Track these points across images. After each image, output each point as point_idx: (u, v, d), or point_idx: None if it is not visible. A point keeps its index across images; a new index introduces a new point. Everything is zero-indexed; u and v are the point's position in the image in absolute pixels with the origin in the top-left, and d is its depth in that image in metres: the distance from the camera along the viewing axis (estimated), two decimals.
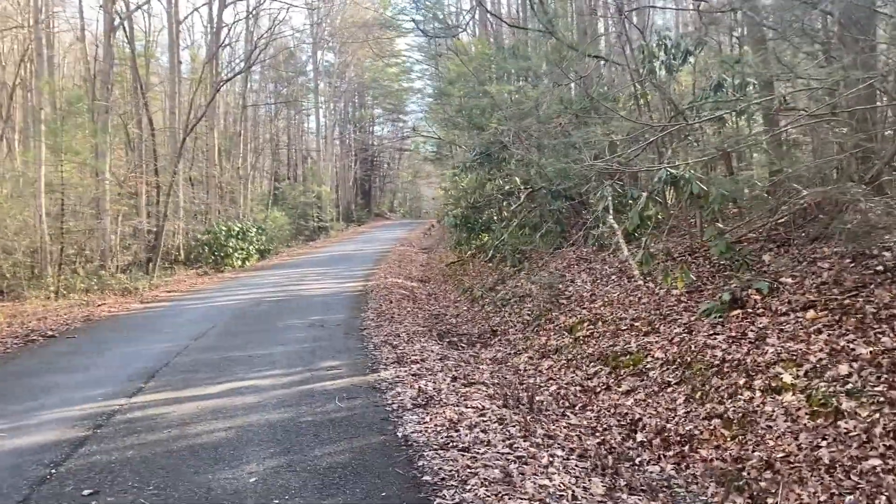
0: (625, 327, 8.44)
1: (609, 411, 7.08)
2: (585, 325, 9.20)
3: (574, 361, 8.57)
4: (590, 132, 10.26)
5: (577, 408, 7.41)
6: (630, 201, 11.75)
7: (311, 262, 26.73)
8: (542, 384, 8.32)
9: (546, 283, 11.07)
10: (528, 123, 13.74)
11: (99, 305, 16.64)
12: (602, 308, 9.36)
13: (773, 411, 5.70)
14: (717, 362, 6.69)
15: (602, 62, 13.12)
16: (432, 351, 9.76)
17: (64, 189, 20.62)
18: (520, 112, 13.84)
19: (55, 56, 30.33)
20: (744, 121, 10.47)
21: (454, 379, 7.89)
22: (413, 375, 8.13)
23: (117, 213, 25.20)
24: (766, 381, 6.04)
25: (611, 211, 10.61)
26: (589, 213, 12.84)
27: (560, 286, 10.89)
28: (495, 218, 18.25)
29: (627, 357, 7.73)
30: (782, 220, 8.87)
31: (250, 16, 31.57)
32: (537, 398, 7.49)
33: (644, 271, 8.97)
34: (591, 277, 10.81)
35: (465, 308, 14.36)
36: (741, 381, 6.24)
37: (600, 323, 8.99)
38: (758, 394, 6.01)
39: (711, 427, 5.99)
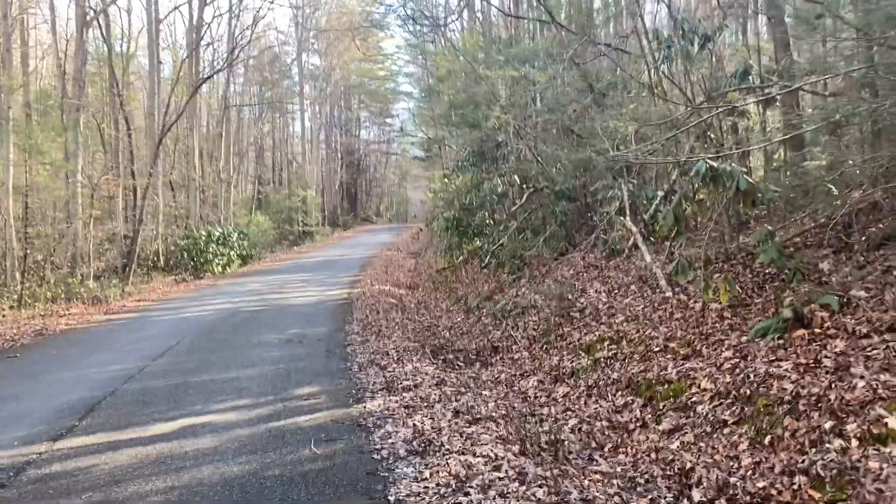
0: (657, 348, 6.99)
1: (648, 456, 5.61)
2: (606, 343, 7.74)
3: (596, 389, 7.11)
4: (611, 117, 8.86)
5: (606, 449, 5.94)
6: (645, 202, 10.34)
7: (295, 267, 25.15)
8: (559, 416, 6.85)
9: (553, 294, 9.62)
10: (531, 114, 12.33)
11: (61, 316, 15.01)
12: (625, 324, 7.91)
13: (882, 469, 4.26)
14: (787, 397, 5.25)
15: (609, 50, 11.71)
16: (427, 373, 8.26)
17: (28, 191, 18.97)
18: (523, 101, 12.42)
19: (30, 54, 28.61)
20: (777, 108, 9.08)
21: (456, 413, 6.40)
22: (406, 407, 6.63)
23: (90, 218, 23.45)
24: (864, 426, 4.61)
25: (627, 212, 9.18)
26: (597, 216, 11.44)
27: (570, 297, 9.44)
28: (489, 221, 16.80)
29: (665, 387, 6.28)
30: (833, 220, 7.46)
31: (232, 14, 29.94)
32: (560, 438, 6.01)
33: (679, 281, 7.53)
34: (606, 287, 9.37)
35: (460, 319, 12.88)
36: (827, 425, 4.80)
37: (625, 342, 7.54)
38: (854, 442, 4.57)
39: (794, 486, 4.54)
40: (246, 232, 30.63)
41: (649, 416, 6.16)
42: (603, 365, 7.45)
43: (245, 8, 34.25)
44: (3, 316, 15.55)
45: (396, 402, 6.84)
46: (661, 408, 6.13)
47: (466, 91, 16.07)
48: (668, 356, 6.74)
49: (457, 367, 9.34)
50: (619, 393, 6.79)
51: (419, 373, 8.25)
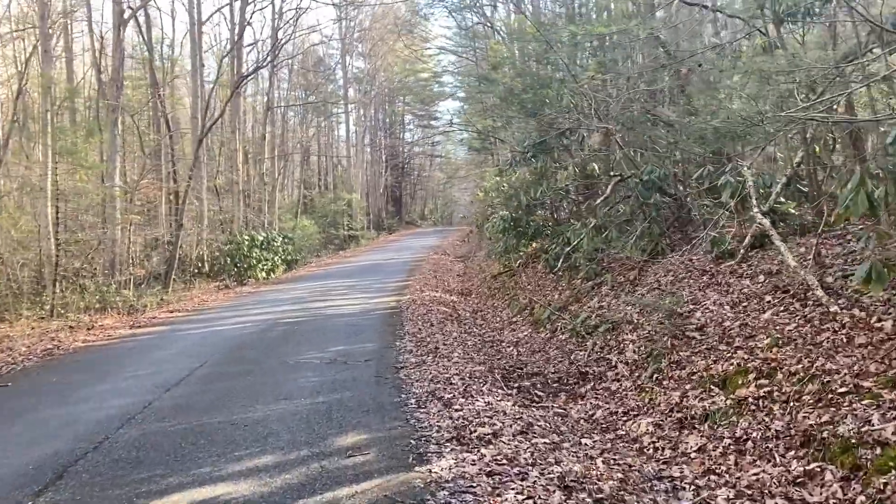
0: (842, 388, 4.81)
1: None
2: (752, 377, 5.57)
3: (750, 443, 4.97)
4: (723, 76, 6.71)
5: None
6: (761, 190, 8.11)
7: (340, 273, 23.36)
8: (700, 482, 4.74)
9: (656, 306, 7.47)
10: (615, 89, 10.19)
11: (89, 329, 13.39)
12: (775, 350, 5.72)
13: None
14: None
15: (701, 9, 9.53)
16: (504, 412, 6.21)
17: (61, 195, 17.53)
18: (610, 71, 10.27)
19: (73, 56, 27.46)
20: None
21: (565, 489, 4.34)
22: (489, 475, 4.59)
23: (129, 223, 21.98)
24: None
25: (753, 201, 7.00)
26: (696, 209, 9.26)
27: (680, 310, 7.28)
28: (551, 220, 14.69)
29: (879, 451, 4.11)
30: None
31: (275, 13, 28.36)
32: None
33: (872, 292, 5.32)
34: (728, 299, 7.18)
35: (527, 333, 10.80)
36: None
37: (781, 376, 5.36)
38: None
39: None
40: (291, 236, 29.04)
41: (859, 494, 4.00)
42: (753, 408, 5.29)
43: (288, 7, 32.72)
44: (32, 328, 14.02)
45: (474, 463, 4.80)
46: (876, 485, 3.96)
47: (526, 75, 13.96)
48: (866, 401, 4.55)
49: (536, 398, 7.28)
50: (792, 453, 4.63)
51: (495, 411, 6.20)
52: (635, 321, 7.85)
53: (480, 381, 7.60)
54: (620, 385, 7.01)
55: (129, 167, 24.37)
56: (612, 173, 9.27)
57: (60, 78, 25.63)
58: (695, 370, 6.28)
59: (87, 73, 29.21)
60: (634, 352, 7.38)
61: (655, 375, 6.67)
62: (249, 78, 27.39)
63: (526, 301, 12.41)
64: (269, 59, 25.95)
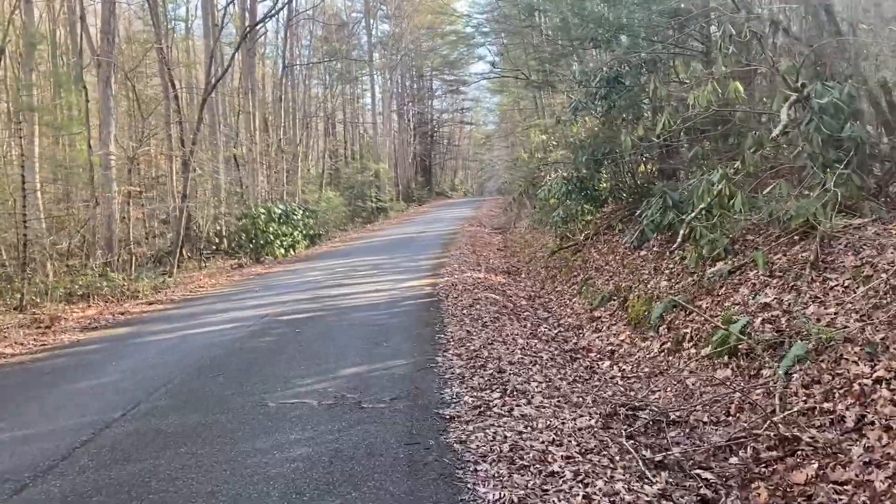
0: None
1: None
2: None
3: None
4: None
5: None
6: None
7: (366, 249, 19.85)
8: None
9: None
10: None
11: (40, 327, 10.14)
12: None
13: None
14: None
15: None
16: None
17: (27, 162, 14.24)
18: None
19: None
20: None
21: None
22: None
23: (129, 195, 18.63)
24: None
25: None
26: None
27: None
28: (637, 177, 11.01)
29: None
30: None
31: None
32: None
33: None
34: None
35: (624, 338, 7.18)
36: None
37: None
38: None
39: None
40: (314, 209, 25.58)
41: None
42: None
43: None
44: None
45: None
46: None
47: None
48: None
49: (705, 489, 3.69)
50: None
51: None
52: (870, 338, 4.20)
53: (597, 453, 4.02)
54: (866, 476, 3.36)
55: (127, 134, 20.95)
56: (795, 83, 5.49)
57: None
58: None
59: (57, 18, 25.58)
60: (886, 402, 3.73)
61: None
62: (260, 25, 23.65)
63: (610, 288, 8.74)
64: (280, 4, 22.19)
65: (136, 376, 6.14)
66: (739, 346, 5.24)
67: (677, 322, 6.49)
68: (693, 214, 6.55)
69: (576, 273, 10.84)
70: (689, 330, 6.12)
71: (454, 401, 5.07)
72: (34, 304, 12.44)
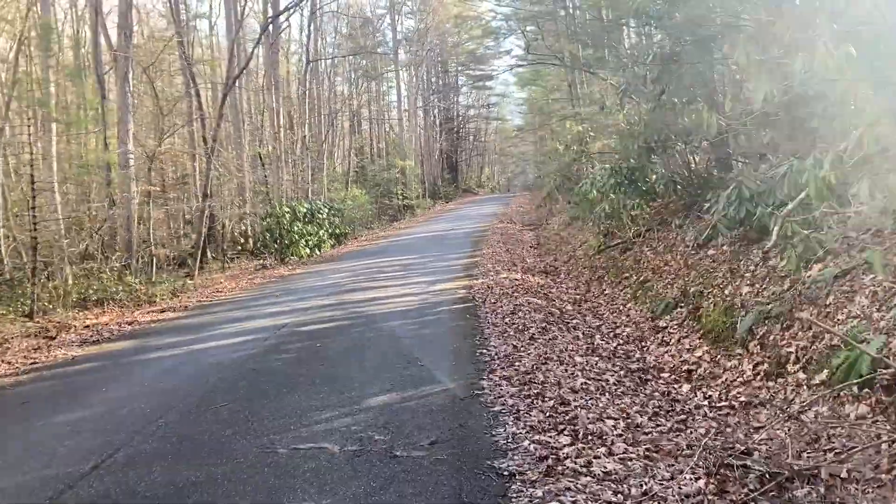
0: None
1: None
2: None
3: None
4: None
5: None
6: None
7: (394, 248, 18.76)
8: None
9: None
10: None
11: (43, 337, 9.21)
12: None
13: None
14: None
15: None
16: None
17: (36, 162, 13.44)
18: None
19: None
20: None
21: None
22: None
23: (148, 195, 17.81)
24: None
25: None
26: None
27: None
28: (684, 169, 9.76)
29: None
30: None
31: None
32: None
33: None
34: None
35: (703, 354, 5.95)
36: None
37: None
38: None
39: None
40: (339, 207, 24.53)
41: None
42: None
43: None
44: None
45: None
46: None
47: None
48: None
49: None
50: None
51: None
52: None
53: None
54: None
55: (145, 132, 20.12)
56: None
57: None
58: None
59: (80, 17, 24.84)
60: None
61: None
62: (283, 20, 22.68)
63: (674, 293, 7.50)
64: None
65: (124, 409, 5.08)
66: (877, 375, 4.00)
67: (772, 337, 5.26)
68: (791, 206, 5.29)
69: (627, 274, 9.60)
70: (792, 349, 4.88)
71: (511, 446, 3.92)
72: (46, 311, 11.60)
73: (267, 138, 25.82)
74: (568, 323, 8.01)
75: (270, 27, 20.38)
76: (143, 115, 22.26)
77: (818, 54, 4.86)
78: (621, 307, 8.66)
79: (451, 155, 49.08)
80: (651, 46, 9.31)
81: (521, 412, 4.53)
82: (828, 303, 5.04)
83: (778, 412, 4.44)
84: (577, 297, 10.09)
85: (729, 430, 4.47)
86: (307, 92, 25.97)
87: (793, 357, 4.83)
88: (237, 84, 23.39)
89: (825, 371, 4.44)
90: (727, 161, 10.02)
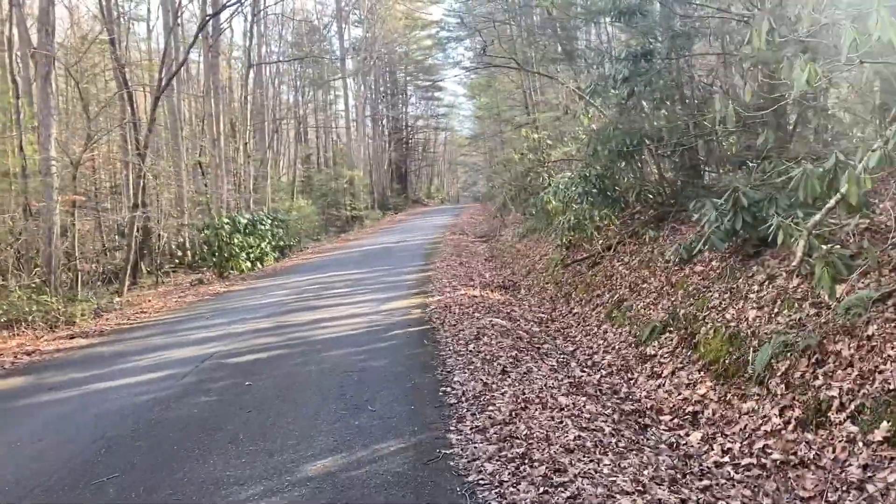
0: None
1: None
2: None
3: None
4: None
5: None
6: None
7: (342, 261, 17.42)
8: None
9: None
10: None
11: None
12: None
13: None
14: None
15: None
16: None
17: None
18: None
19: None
20: None
21: None
22: None
23: (73, 205, 16.00)
24: None
25: None
26: None
27: None
28: (656, 176, 8.89)
29: None
30: None
31: None
32: None
33: None
34: None
35: (710, 392, 4.95)
36: None
37: None
38: None
39: None
40: (284, 218, 23.01)
41: None
42: None
43: None
44: None
45: None
46: None
47: None
48: None
49: None
50: None
51: None
52: None
53: None
54: None
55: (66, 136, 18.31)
56: None
57: None
58: None
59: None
60: None
61: None
62: (224, 18, 21.12)
63: (660, 315, 6.51)
64: None
65: None
66: None
67: (800, 374, 4.28)
68: (818, 217, 4.36)
69: (598, 291, 8.61)
70: (834, 392, 3.90)
71: None
72: None
73: (207, 146, 24.11)
74: (539, 349, 6.94)
75: (210, 27, 18.84)
76: (75, 120, 20.40)
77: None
78: (595, 329, 7.65)
79: (401, 165, 47.86)
80: (620, 45, 8.39)
81: (506, 486, 3.39)
82: (869, 333, 4.09)
83: (831, 478, 3.44)
84: (543, 316, 9.05)
85: (768, 501, 3.44)
86: (249, 98, 24.38)
87: (836, 403, 3.84)
88: (174, 89, 21.76)
89: (886, 424, 3.47)
90: (698, 168, 9.21)
